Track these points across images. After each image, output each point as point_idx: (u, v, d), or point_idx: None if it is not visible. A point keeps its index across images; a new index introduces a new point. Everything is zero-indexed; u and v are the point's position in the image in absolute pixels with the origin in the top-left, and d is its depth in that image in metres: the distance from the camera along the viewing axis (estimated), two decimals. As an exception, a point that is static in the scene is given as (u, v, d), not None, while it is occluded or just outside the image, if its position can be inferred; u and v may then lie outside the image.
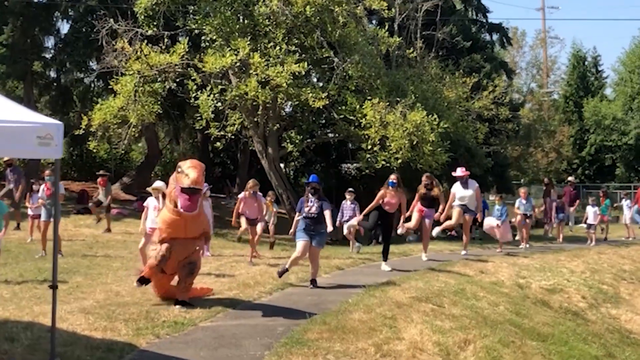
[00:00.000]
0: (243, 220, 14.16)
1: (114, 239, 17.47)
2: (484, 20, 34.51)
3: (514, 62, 48.39)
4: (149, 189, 12.66)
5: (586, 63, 53.13)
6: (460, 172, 16.07)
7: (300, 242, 11.12)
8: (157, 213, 12.40)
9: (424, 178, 15.31)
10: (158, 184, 12.54)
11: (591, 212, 21.15)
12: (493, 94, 27.27)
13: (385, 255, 13.59)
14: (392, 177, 13.46)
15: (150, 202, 12.40)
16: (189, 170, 8.67)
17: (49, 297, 9.75)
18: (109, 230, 19.15)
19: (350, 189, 17.56)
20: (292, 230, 11.89)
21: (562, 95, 53.11)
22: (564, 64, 56.45)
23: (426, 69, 25.35)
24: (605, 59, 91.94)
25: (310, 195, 11.24)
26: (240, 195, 14.37)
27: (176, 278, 9.57)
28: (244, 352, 7.42)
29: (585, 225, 22.78)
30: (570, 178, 28.32)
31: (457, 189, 16.01)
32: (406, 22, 27.26)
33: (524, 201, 18.95)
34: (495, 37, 35.06)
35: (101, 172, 20.98)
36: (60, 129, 6.21)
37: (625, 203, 24.22)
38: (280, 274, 11.32)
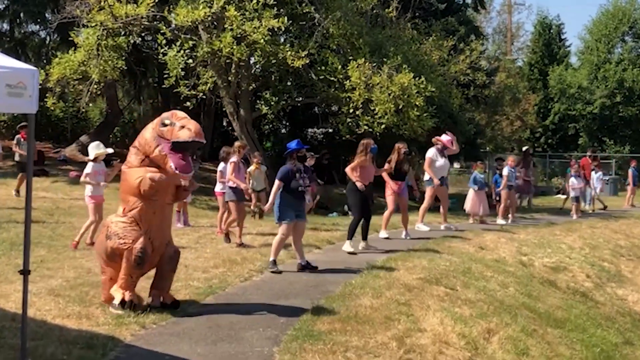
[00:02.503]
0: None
1: (76, 204, 15.99)
2: (458, -18, 33.40)
3: (482, 27, 47.48)
4: (98, 154, 11.25)
5: (551, 31, 52.47)
6: (447, 137, 14.98)
7: (289, 224, 9.68)
8: (98, 179, 11.19)
9: (400, 145, 13.74)
10: (96, 145, 11.28)
11: (575, 183, 20.33)
12: (470, 58, 26.21)
13: (365, 233, 11.95)
14: (372, 143, 11.97)
15: (91, 168, 11.19)
16: (186, 122, 6.99)
17: (10, 273, 8.55)
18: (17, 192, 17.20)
19: (311, 153, 15.80)
20: (268, 206, 10.09)
21: (526, 63, 52.46)
22: (529, 31, 55.89)
23: (403, 31, 24.11)
24: (569, 27, 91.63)
25: (298, 164, 9.83)
26: (234, 159, 12.01)
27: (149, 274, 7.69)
28: (248, 347, 6.30)
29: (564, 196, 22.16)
30: (525, 148, 26.89)
31: (435, 156, 14.86)
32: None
33: (512, 170, 17.80)
34: (468, 0, 33.97)
35: (22, 123, 18.30)
36: (35, 77, 4.96)
37: (595, 175, 23.58)
38: (274, 269, 9.64)
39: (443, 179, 15.11)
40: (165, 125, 7.06)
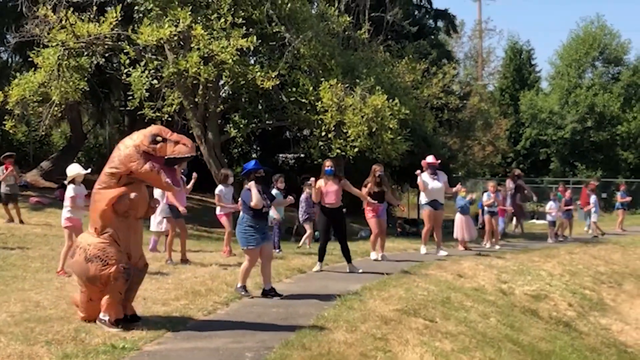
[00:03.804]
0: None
1: (32, 232, 15.18)
2: (429, 6, 33.22)
3: (453, 52, 47.43)
4: (73, 175, 10.86)
5: (522, 56, 52.57)
6: (431, 159, 14.64)
7: (255, 250, 9.20)
8: (78, 203, 10.83)
9: (376, 167, 13.59)
10: (76, 168, 10.89)
11: (553, 207, 19.90)
12: (443, 81, 25.91)
13: (347, 256, 11.85)
14: (327, 164, 11.77)
15: (73, 191, 10.82)
16: (179, 137, 7.16)
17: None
18: (21, 221, 16.88)
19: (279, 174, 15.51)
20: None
21: (498, 88, 52.52)
22: (500, 56, 55.97)
23: (375, 53, 23.70)
24: (539, 52, 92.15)
25: (257, 185, 9.23)
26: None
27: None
28: (209, 392, 5.60)
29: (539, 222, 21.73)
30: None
31: (427, 179, 14.52)
32: (352, 3, 25.57)
33: (492, 195, 17.36)
34: (440, 24, 33.78)
35: (7, 153, 17.87)
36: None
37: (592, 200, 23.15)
38: (246, 294, 9.29)
39: (436, 203, 14.71)
40: (156, 142, 7.09)
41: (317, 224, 12.18)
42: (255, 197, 9.08)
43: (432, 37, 31.65)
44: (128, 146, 7.20)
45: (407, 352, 7.08)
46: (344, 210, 12.16)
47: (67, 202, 10.91)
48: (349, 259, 11.85)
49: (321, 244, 11.88)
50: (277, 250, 13.94)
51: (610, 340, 11.39)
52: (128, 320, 7.30)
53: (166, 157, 7.08)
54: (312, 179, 11.84)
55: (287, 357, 6.45)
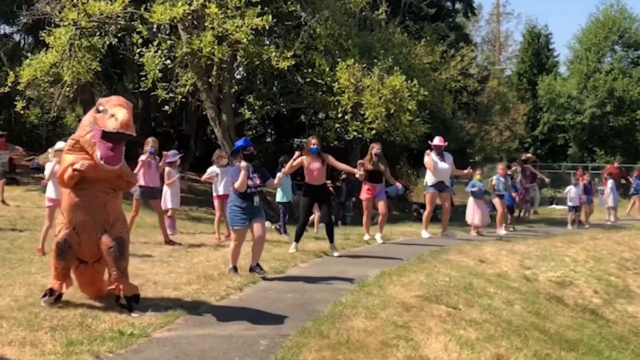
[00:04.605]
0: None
1: (42, 214, 14.79)
2: (448, -13, 32.59)
3: (471, 35, 46.78)
4: (50, 152, 10.61)
5: (540, 40, 51.86)
6: (438, 141, 14.25)
7: (241, 230, 9.02)
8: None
9: (374, 145, 13.29)
10: (60, 144, 10.52)
11: (574, 192, 19.42)
12: (461, 64, 25.38)
13: (331, 235, 11.53)
14: (313, 142, 11.33)
15: (51, 168, 10.52)
16: (117, 110, 6.41)
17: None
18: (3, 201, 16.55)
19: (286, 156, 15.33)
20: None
21: (515, 73, 51.86)
22: (518, 40, 55.26)
23: (392, 35, 23.21)
24: (557, 37, 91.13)
25: (245, 163, 8.91)
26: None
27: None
28: (222, 383, 5.25)
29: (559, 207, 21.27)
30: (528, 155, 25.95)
31: (434, 160, 14.11)
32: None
33: (502, 179, 16.93)
34: (458, 6, 33.14)
35: None
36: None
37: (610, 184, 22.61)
38: (235, 274, 9.08)
39: (442, 184, 14.34)
40: (99, 111, 6.54)
41: (300, 203, 11.78)
42: (241, 179, 8.79)
43: (450, 19, 31.05)
44: (90, 114, 6.78)
45: (430, 340, 6.70)
46: (331, 188, 11.81)
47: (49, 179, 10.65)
48: (331, 239, 11.53)
49: (301, 223, 11.55)
50: (285, 235, 13.63)
51: (639, 328, 10.98)
52: (125, 301, 6.94)
53: (101, 130, 6.45)
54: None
55: (303, 345, 6.10)
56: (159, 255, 10.49)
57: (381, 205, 13.34)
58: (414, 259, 11.04)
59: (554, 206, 26.57)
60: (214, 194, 13.18)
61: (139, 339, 6.16)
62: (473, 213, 16.05)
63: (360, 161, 13.29)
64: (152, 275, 8.75)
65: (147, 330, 6.41)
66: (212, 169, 13.05)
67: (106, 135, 6.42)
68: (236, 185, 8.82)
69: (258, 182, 9.00)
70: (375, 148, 13.12)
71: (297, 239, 11.53)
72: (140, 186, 11.93)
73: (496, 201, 16.63)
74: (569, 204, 19.68)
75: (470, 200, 16.19)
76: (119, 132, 6.35)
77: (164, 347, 6.02)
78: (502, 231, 16.15)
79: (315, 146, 11.26)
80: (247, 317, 7.13)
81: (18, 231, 12.79)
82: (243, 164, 8.87)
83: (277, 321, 6.98)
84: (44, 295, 6.97)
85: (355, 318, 7.08)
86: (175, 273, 9.07)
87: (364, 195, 13.34)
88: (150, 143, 12.14)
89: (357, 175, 12.27)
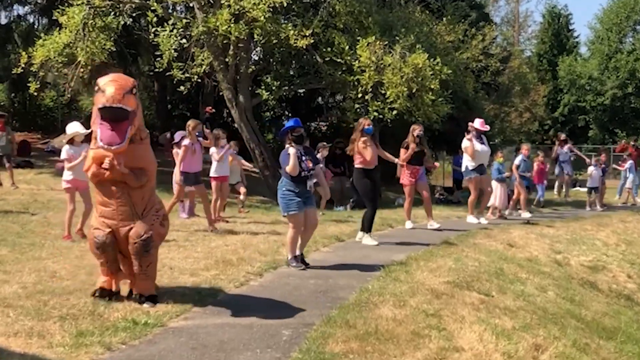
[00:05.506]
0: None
1: (56, 197, 14.50)
2: (468, -35, 31.91)
3: (491, 15, 46.02)
4: (72, 134, 10.20)
5: (560, 20, 51.03)
6: (479, 125, 13.75)
7: (298, 214, 8.44)
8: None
9: (415, 126, 12.70)
10: (73, 126, 10.11)
11: (595, 173, 18.93)
12: (482, 43, 24.78)
13: (370, 225, 10.80)
14: (367, 123, 10.75)
15: (66, 153, 10.23)
16: (107, 85, 5.89)
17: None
18: (13, 184, 16.31)
19: (324, 143, 15.65)
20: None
21: (535, 54, 51.06)
22: (538, 20, 54.45)
23: (412, 14, 22.66)
24: (576, 17, 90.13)
25: (297, 146, 8.47)
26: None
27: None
28: (244, 378, 4.85)
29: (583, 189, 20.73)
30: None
31: (475, 143, 13.61)
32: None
33: (525, 159, 16.45)
34: (480, -16, 32.54)
35: None
36: None
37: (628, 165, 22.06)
38: (304, 265, 8.55)
39: (482, 167, 14.00)
40: (95, 90, 6.09)
41: (360, 189, 10.86)
42: (292, 162, 8.29)
43: (471, -3, 30.42)
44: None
45: (464, 330, 6.27)
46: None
47: (65, 164, 10.29)
48: (370, 228, 10.86)
49: (370, 211, 10.70)
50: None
51: (676, 315, 10.52)
52: (143, 299, 6.43)
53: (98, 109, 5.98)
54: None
55: (329, 335, 5.70)
56: (176, 238, 10.10)
57: (425, 189, 12.84)
58: (441, 243, 10.60)
59: (577, 188, 26.01)
60: (211, 175, 12.87)
61: (153, 329, 5.79)
62: (495, 196, 15.60)
63: (403, 144, 12.62)
64: (168, 260, 8.37)
65: (163, 319, 6.04)
66: (212, 150, 12.76)
67: (102, 114, 5.94)
68: (287, 168, 8.33)
69: (310, 165, 8.51)
70: (417, 130, 12.51)
71: (369, 229, 10.76)
72: (183, 172, 11.49)
73: (518, 182, 16.18)
74: (589, 185, 19.23)
75: (495, 183, 15.72)
76: (105, 106, 5.83)
77: (180, 337, 5.64)
78: (526, 214, 15.72)
79: (370, 127, 10.72)
80: (268, 305, 6.76)
81: (30, 214, 12.44)
82: (291, 146, 8.40)
83: (300, 309, 6.59)
84: (94, 295, 6.54)
85: (382, 306, 6.68)
86: (192, 258, 8.69)
87: (406, 179, 12.62)
88: (191, 125, 11.56)
89: (397, 162, 11.96)
